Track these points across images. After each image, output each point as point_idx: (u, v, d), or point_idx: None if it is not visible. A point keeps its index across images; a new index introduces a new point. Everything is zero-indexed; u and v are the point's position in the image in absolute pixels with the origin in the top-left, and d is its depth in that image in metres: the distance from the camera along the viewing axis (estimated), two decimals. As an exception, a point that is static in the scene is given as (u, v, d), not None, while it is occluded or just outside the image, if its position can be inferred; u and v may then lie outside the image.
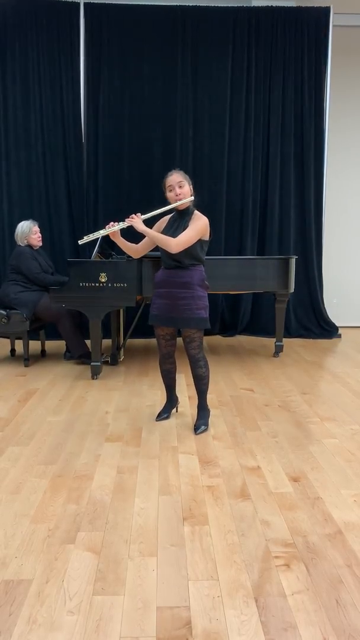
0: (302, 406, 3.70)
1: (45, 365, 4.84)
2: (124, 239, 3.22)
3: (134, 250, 3.27)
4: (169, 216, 3.20)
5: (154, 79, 5.88)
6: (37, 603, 1.70)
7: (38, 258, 4.85)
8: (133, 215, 3.08)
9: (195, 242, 3.03)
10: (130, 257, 4.46)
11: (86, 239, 3.16)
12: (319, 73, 6.01)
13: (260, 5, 5.88)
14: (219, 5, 5.82)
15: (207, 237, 3.11)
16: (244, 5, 5.88)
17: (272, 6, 5.86)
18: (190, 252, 3.04)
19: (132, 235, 3.22)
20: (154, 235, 3.06)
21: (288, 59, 5.97)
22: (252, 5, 5.90)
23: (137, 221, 3.05)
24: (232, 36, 5.88)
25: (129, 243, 3.25)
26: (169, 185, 3.04)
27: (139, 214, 3.08)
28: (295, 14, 5.89)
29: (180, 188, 3.02)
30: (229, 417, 3.46)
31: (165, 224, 3.17)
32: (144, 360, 5.04)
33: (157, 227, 3.20)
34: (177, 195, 3.02)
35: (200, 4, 5.80)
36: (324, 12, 5.90)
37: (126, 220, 3.09)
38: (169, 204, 3.09)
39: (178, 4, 5.78)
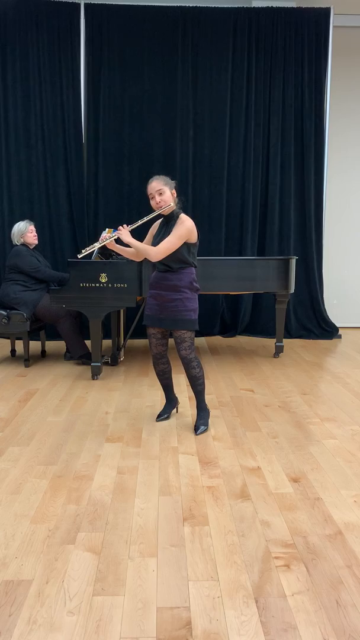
0: (302, 407, 3.70)
1: (46, 365, 4.84)
2: (120, 246, 3.28)
3: (133, 254, 3.30)
4: (160, 220, 3.23)
5: (154, 80, 5.88)
6: (37, 604, 1.70)
7: (35, 255, 4.87)
8: (120, 227, 3.12)
9: (182, 247, 3.04)
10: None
11: (84, 252, 3.19)
12: (319, 73, 6.02)
13: (260, 6, 5.88)
14: (219, 6, 5.82)
15: (193, 240, 3.10)
16: (244, 6, 5.89)
17: (272, 7, 5.87)
18: (177, 257, 3.06)
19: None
20: (137, 246, 3.10)
21: (288, 60, 5.97)
22: (253, 6, 5.91)
23: (123, 233, 3.09)
24: (232, 37, 5.88)
25: (128, 249, 3.28)
26: (149, 194, 3.08)
27: (125, 225, 3.13)
28: (295, 15, 5.90)
29: (160, 195, 3.03)
30: (229, 418, 3.46)
31: (155, 231, 3.22)
32: (144, 361, 5.04)
33: (151, 232, 3.25)
34: (157, 203, 3.05)
35: (201, 5, 5.81)
36: (324, 12, 5.91)
37: (115, 232, 3.15)
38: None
39: (178, 5, 5.78)
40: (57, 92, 5.84)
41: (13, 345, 5.18)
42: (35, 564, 1.90)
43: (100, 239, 3.21)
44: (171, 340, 3.30)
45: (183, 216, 3.09)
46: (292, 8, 5.91)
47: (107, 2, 5.74)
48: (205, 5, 5.81)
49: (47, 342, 5.35)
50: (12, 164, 5.88)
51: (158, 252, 3.02)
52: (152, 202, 3.08)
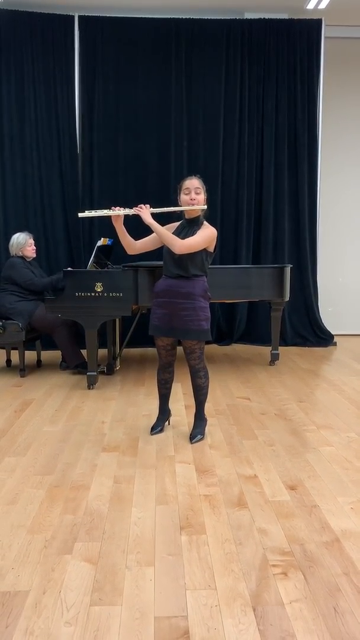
0: (298, 414, 3.70)
1: (41, 375, 4.83)
2: (124, 229, 3.07)
3: (131, 245, 3.13)
4: (177, 223, 3.14)
5: (148, 91, 5.93)
6: (34, 615, 1.69)
7: (30, 267, 4.86)
8: (142, 205, 2.96)
9: (201, 252, 2.98)
10: (126, 266, 4.47)
11: (87, 213, 3.02)
12: (312, 83, 6.07)
13: (253, 17, 5.95)
14: (213, 17, 5.89)
15: (212, 249, 3.07)
16: (237, 18, 5.95)
17: (264, 18, 5.93)
18: (195, 262, 2.99)
19: (134, 227, 3.20)
20: (161, 231, 2.95)
21: (281, 70, 6.03)
22: (245, 17, 5.97)
23: (145, 212, 2.94)
24: (225, 48, 5.93)
25: (128, 236, 3.11)
26: (186, 188, 2.99)
27: (147, 205, 2.97)
28: (287, 26, 5.96)
29: (196, 194, 2.98)
30: (226, 426, 3.46)
31: (173, 230, 3.09)
32: (140, 370, 5.04)
33: None
34: (192, 200, 2.98)
35: (194, 17, 5.87)
36: (316, 24, 5.97)
37: (134, 208, 2.97)
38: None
39: (172, 17, 5.84)
40: (52, 103, 5.87)
41: (8, 355, 5.18)
42: (32, 575, 1.89)
43: (111, 208, 2.97)
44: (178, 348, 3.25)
45: (207, 223, 3.06)
46: (284, 19, 5.98)
47: (101, 15, 5.79)
48: (198, 17, 5.87)
49: (42, 352, 5.34)
50: (7, 175, 5.89)
51: (183, 244, 2.90)
52: (186, 197, 2.98)
